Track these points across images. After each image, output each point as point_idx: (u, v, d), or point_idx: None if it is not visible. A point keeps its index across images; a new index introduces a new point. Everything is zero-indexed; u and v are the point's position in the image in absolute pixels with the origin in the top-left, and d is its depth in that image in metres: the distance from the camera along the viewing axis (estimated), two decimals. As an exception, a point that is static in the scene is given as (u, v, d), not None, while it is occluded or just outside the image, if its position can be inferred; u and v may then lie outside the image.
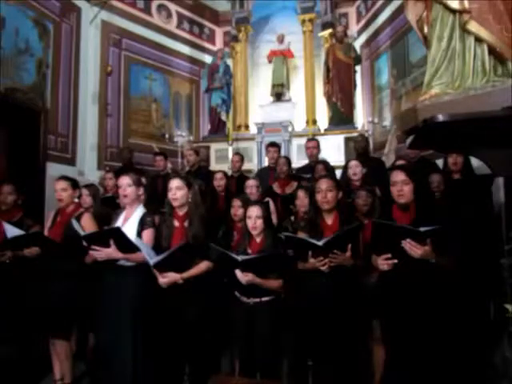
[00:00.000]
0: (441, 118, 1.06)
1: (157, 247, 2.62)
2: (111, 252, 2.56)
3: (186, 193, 2.64)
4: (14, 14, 4.46)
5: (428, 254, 2.05)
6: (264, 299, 2.49)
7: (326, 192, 2.49)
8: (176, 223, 2.63)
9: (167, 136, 7.13)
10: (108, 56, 6.23)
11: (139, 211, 2.78)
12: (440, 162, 4.20)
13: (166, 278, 2.48)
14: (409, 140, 1.35)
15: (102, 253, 2.57)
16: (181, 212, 2.64)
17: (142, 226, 2.70)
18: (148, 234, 2.69)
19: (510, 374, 2.59)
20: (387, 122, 6.35)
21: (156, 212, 2.97)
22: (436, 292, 2.14)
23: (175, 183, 2.63)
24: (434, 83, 1.31)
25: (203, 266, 2.57)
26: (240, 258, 2.39)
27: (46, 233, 3.01)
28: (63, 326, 2.88)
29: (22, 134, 4.60)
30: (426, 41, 1.67)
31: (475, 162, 3.54)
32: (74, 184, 3.10)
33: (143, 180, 3.12)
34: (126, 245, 2.55)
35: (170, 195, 2.62)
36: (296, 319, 2.56)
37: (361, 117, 7.13)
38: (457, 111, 1.12)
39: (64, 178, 3.10)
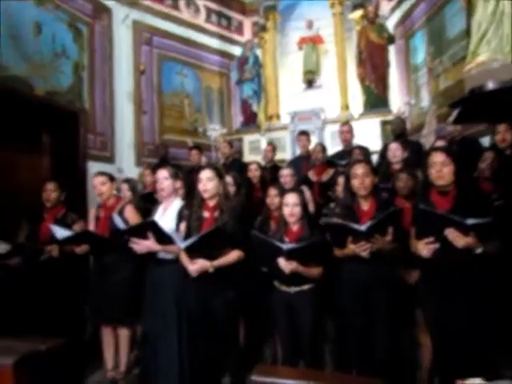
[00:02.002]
0: (490, 86, 0.96)
1: (187, 239, 2.60)
2: (150, 244, 2.61)
3: (217, 184, 2.57)
4: (49, 19, 4.62)
5: (471, 244, 1.95)
6: (304, 288, 2.46)
7: (362, 177, 2.42)
8: (206, 214, 2.58)
9: (200, 130, 7.20)
10: (140, 54, 6.33)
11: (176, 204, 2.82)
12: (484, 142, 3.99)
13: (196, 265, 2.38)
14: (454, 114, 1.26)
15: (141, 246, 2.63)
16: (211, 203, 2.59)
17: (181, 218, 2.73)
18: (185, 226, 2.72)
19: None
20: (425, 103, 6.08)
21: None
22: (482, 281, 2.04)
23: (206, 174, 2.57)
24: (481, 50, 1.20)
25: (235, 254, 2.48)
26: (285, 246, 2.33)
27: (90, 228, 3.13)
28: (129, 314, 3.00)
29: (63, 135, 4.79)
30: (470, 6, 1.54)
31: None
32: (111, 177, 3.20)
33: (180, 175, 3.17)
34: (163, 237, 2.58)
35: (201, 186, 2.57)
36: (338, 307, 2.52)
37: (396, 99, 6.86)
38: (507, 78, 1.02)
39: (100, 173, 3.21)
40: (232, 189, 3.31)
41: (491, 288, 2.06)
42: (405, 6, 6.80)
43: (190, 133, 7.15)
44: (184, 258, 2.49)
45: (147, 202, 3.79)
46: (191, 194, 3.31)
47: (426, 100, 6.13)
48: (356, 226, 2.24)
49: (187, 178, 4.52)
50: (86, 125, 5.11)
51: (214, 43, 7.86)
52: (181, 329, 2.62)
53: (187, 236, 2.56)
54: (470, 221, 1.89)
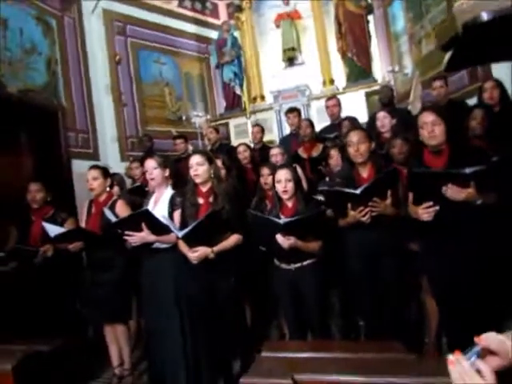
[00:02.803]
0: (485, 16, 0.89)
1: (182, 227, 2.55)
2: (144, 235, 2.55)
3: (208, 168, 2.55)
4: (15, 14, 4.42)
5: (472, 195, 1.92)
6: (306, 263, 2.43)
7: (357, 145, 2.39)
8: (200, 200, 2.55)
9: (184, 118, 7.07)
10: (114, 45, 6.15)
11: (168, 193, 2.76)
12: (471, 103, 3.95)
13: (196, 253, 2.38)
14: (446, 58, 1.19)
15: (135, 237, 2.57)
16: (204, 188, 2.57)
17: (173, 206, 2.67)
18: (178, 214, 2.66)
19: None
20: (408, 70, 6.02)
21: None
22: (484, 234, 2.02)
23: (196, 159, 2.55)
24: None
25: (233, 238, 2.49)
26: (282, 221, 2.30)
27: (81, 225, 3.05)
28: (122, 310, 2.95)
29: (44, 135, 4.64)
30: None
31: (512, 93, 3.33)
32: (106, 172, 3.10)
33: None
34: (157, 227, 2.52)
35: (192, 172, 2.54)
36: (343, 278, 2.50)
37: (379, 69, 6.80)
38: (501, 8, 0.95)
39: (95, 166, 3.11)
40: (222, 172, 3.24)
41: (490, 242, 2.05)
42: (380, -26, 6.68)
43: (173, 122, 7.02)
44: (183, 246, 2.46)
45: (137, 195, 3.71)
46: (179, 184, 3.25)
47: (409, 67, 6.07)
48: (351, 190, 2.21)
49: (173, 167, 4.46)
50: (66, 122, 4.96)
51: (190, 28, 7.67)
52: (182, 317, 2.57)
53: (183, 224, 2.53)
54: (469, 170, 1.87)
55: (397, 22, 6.45)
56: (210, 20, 8.06)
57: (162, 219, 2.52)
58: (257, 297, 3.12)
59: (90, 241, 2.89)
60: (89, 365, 3.15)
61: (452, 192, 1.93)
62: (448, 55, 1.17)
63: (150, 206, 2.74)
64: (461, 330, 2.00)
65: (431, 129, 2.07)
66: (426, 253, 2.23)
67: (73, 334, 2.95)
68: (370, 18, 6.74)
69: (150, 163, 2.74)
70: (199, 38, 7.79)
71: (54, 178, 4.23)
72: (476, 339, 0.69)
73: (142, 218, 2.55)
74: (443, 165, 2.07)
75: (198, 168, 2.52)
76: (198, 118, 6.98)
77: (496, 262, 2.03)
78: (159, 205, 2.74)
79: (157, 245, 2.64)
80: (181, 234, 2.37)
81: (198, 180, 2.54)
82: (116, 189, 3.60)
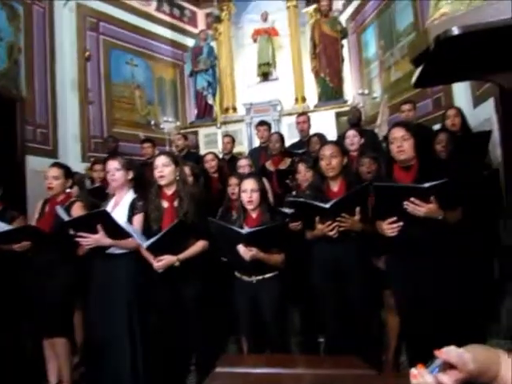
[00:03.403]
0: (456, 31, 0.89)
1: (146, 231, 2.46)
2: (99, 238, 2.41)
3: (174, 170, 2.48)
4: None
5: (433, 211, 1.94)
6: (267, 276, 2.36)
7: (330, 158, 2.38)
8: (165, 204, 2.47)
9: (153, 123, 6.91)
10: (86, 41, 5.94)
11: (129, 196, 2.63)
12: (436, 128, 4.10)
13: (161, 262, 2.32)
14: (416, 73, 1.19)
15: (89, 239, 2.42)
16: (169, 191, 2.49)
17: (133, 210, 2.55)
18: (139, 218, 2.54)
19: None
20: (377, 94, 6.22)
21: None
22: (446, 251, 2.05)
23: (161, 160, 2.48)
24: (441, 4, 1.15)
25: (199, 245, 2.43)
26: (244, 231, 2.25)
27: (33, 224, 2.84)
28: (62, 322, 2.73)
29: (-2, 126, 4.35)
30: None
31: (472, 121, 3.48)
32: (68, 172, 2.93)
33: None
34: (114, 230, 2.39)
35: (157, 173, 2.46)
36: (304, 294, 2.46)
37: (350, 91, 6.98)
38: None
39: (57, 165, 2.92)
40: (190, 179, 3.15)
41: (456, 259, 2.09)
42: (356, 2, 6.93)
43: (141, 126, 6.84)
44: (147, 255, 2.40)
45: (96, 197, 3.53)
46: (143, 188, 3.13)
47: (378, 92, 6.27)
48: (320, 204, 2.20)
49: (138, 171, 4.31)
50: (24, 114, 4.67)
51: (166, 33, 7.58)
52: (132, 326, 2.42)
53: (146, 228, 2.46)
54: (427, 184, 1.90)
55: (369, 49, 6.69)
56: (188, 28, 8.02)
57: (123, 225, 2.40)
58: (215, 309, 3.00)
59: (38, 240, 2.69)
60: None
61: (413, 207, 1.94)
62: (418, 71, 1.17)
63: (109, 209, 2.60)
64: (423, 346, 2.00)
65: (400, 143, 2.10)
66: (391, 268, 2.24)
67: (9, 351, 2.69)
68: (345, 42, 6.94)
69: (113, 164, 2.63)
70: (175, 44, 7.72)
71: (6, 172, 3.95)
72: (436, 352, 0.69)
73: (98, 219, 2.41)
74: (412, 180, 2.10)
75: (163, 169, 2.45)
76: (168, 124, 6.85)
77: (460, 278, 2.06)
78: (118, 208, 2.60)
79: (112, 250, 2.50)
80: (145, 244, 2.29)
81: (162, 182, 2.46)
82: (75, 189, 3.41)
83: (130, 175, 2.66)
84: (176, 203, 2.46)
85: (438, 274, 2.02)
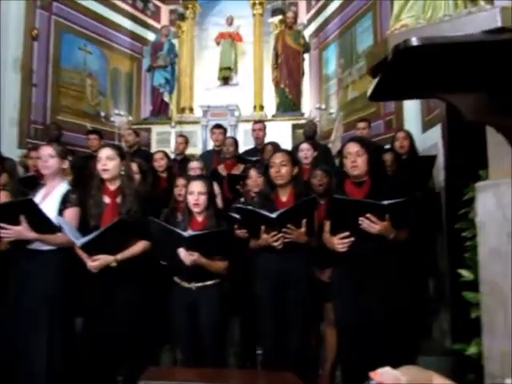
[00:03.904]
0: (415, 41, 0.87)
1: (83, 227, 2.27)
2: (21, 230, 2.17)
3: (119, 164, 2.32)
4: None
5: (387, 229, 1.97)
6: (208, 283, 2.26)
7: (279, 166, 2.34)
8: (107, 199, 2.31)
9: (103, 115, 6.58)
10: (34, 19, 5.51)
11: (62, 187, 2.41)
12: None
13: (96, 261, 2.15)
14: (372, 85, 1.16)
15: (10, 231, 2.18)
16: (112, 186, 2.33)
17: (65, 203, 2.33)
18: (71, 212, 2.33)
19: (445, 345, 2.79)
20: (333, 110, 6.36)
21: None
22: (391, 269, 2.09)
23: (106, 152, 2.32)
24: (404, 16, 1.15)
25: (140, 245, 2.28)
26: (187, 233, 2.15)
27: None
28: None
29: None
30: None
31: (420, 145, 3.61)
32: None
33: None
34: (41, 222, 2.18)
35: (100, 166, 2.30)
36: (245, 304, 2.39)
37: (308, 104, 7.09)
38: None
39: None
40: (137, 177, 2.98)
41: (397, 281, 2.12)
42: (320, 19, 7.09)
43: (90, 116, 6.49)
44: (81, 253, 2.22)
45: (29, 187, 3.22)
46: (83, 182, 2.91)
47: (334, 108, 6.42)
48: (266, 213, 2.17)
49: (79, 163, 4.03)
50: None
51: (127, 24, 7.32)
52: (53, 337, 2.18)
53: (83, 224, 2.28)
54: (387, 202, 1.93)
55: (329, 66, 6.85)
56: (150, 21, 7.79)
57: (52, 218, 2.19)
58: (151, 316, 2.83)
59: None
60: None
61: (368, 223, 1.95)
62: (374, 82, 1.14)
63: (38, 200, 2.36)
64: (358, 364, 2.02)
65: (354, 159, 2.11)
66: (336, 282, 2.24)
67: None
68: (306, 56, 7.06)
69: (46, 150, 2.42)
70: (135, 36, 7.47)
71: None
72: (371, 374, 0.69)
73: (22, 208, 2.18)
74: (363, 196, 2.12)
75: (107, 162, 2.29)
76: (119, 118, 6.56)
77: (402, 300, 2.08)
78: (48, 199, 2.37)
79: (36, 245, 2.26)
80: (80, 241, 2.11)
81: (105, 175, 2.30)
82: (4, 176, 3.09)
83: (66, 165, 2.46)
84: (119, 199, 2.31)
85: (381, 290, 2.04)
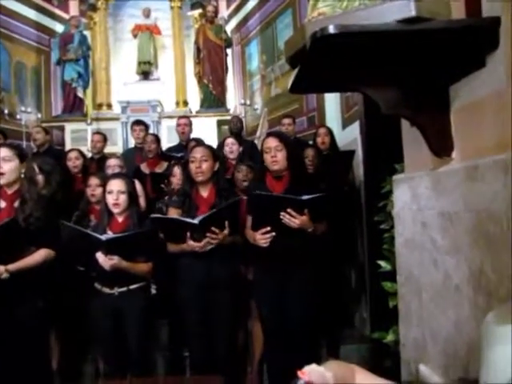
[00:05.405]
0: (332, 29, 0.85)
1: None
2: None
3: (17, 166, 2.08)
4: None
5: (306, 223, 2.03)
6: (132, 287, 2.13)
7: (200, 161, 2.25)
8: (2, 204, 2.07)
9: (7, 113, 5.94)
10: None
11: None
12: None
13: None
14: (292, 76, 1.15)
15: None
16: (10, 190, 2.08)
17: None
18: None
19: (365, 333, 2.93)
20: (258, 106, 6.40)
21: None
22: (311, 262, 2.16)
23: (1, 153, 2.05)
24: (320, 5, 1.14)
25: (40, 254, 2.04)
26: (104, 237, 2.01)
27: None
28: None
29: None
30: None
31: (340, 141, 3.76)
32: None
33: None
34: None
35: None
36: (171, 307, 2.29)
37: (233, 100, 7.07)
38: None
39: None
40: (39, 177, 2.69)
41: (318, 272, 2.19)
42: (241, 14, 7.08)
43: (-8, 115, 5.82)
44: None
45: None
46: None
47: (259, 104, 6.46)
48: (188, 220, 2.10)
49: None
50: None
51: (31, 14, 6.71)
52: None
53: None
54: (306, 196, 1.98)
55: (252, 62, 6.88)
56: (57, 12, 7.19)
57: None
58: (69, 326, 2.62)
59: None
60: None
61: (289, 218, 1.99)
62: (294, 73, 1.13)
63: None
64: (283, 357, 2.07)
65: (274, 154, 2.13)
66: (258, 278, 2.26)
67: None
68: (230, 51, 7.00)
69: None
70: (40, 28, 6.86)
71: None
72: (299, 373, 0.69)
73: None
74: (282, 190, 2.15)
75: (2, 164, 2.03)
76: (26, 115, 5.97)
77: (323, 293, 2.14)
78: None
79: None
80: None
81: (1, 180, 2.04)
82: None
83: None
84: (17, 204, 2.07)
85: (302, 283, 2.10)
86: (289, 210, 1.99)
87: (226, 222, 2.13)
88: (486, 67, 0.95)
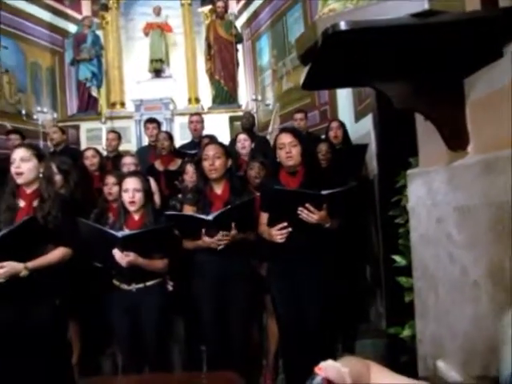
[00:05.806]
0: (343, 26, 0.86)
1: None
2: None
3: (36, 166, 2.09)
4: None
5: (324, 218, 2.01)
6: (149, 284, 2.16)
7: (213, 159, 2.26)
8: (21, 203, 2.08)
9: (24, 113, 6.05)
10: None
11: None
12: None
13: (2, 269, 1.89)
14: (304, 73, 1.14)
15: None
16: (29, 190, 2.10)
17: None
18: None
19: (381, 328, 2.87)
20: (270, 102, 6.38)
21: None
22: (327, 256, 2.15)
23: (19, 153, 2.06)
24: (330, 1, 1.14)
25: (58, 253, 2.05)
26: (120, 234, 2.04)
27: None
28: None
29: None
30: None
31: (353, 135, 3.73)
32: None
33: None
34: None
35: (13, 168, 2.05)
36: (188, 302, 2.32)
37: (244, 96, 7.06)
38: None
39: None
40: (58, 177, 2.74)
41: (333, 268, 2.20)
42: (251, 9, 7.05)
43: (10, 115, 5.95)
44: None
45: None
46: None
47: (271, 100, 6.44)
48: (202, 216, 2.12)
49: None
50: None
51: (44, 15, 6.81)
52: None
53: None
54: (325, 191, 1.96)
55: (263, 57, 6.85)
56: (70, 12, 7.27)
57: None
58: (89, 322, 2.68)
59: None
60: None
61: (307, 213, 1.97)
62: (306, 70, 1.12)
63: None
64: (298, 352, 2.08)
65: (288, 149, 2.12)
66: (273, 273, 2.25)
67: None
68: (240, 47, 6.99)
69: None
70: (54, 29, 6.94)
71: None
72: (316, 369, 0.69)
73: None
74: (298, 185, 2.13)
75: (20, 164, 2.04)
76: (43, 115, 6.07)
77: (339, 288, 2.14)
78: None
79: None
80: None
81: (20, 180, 2.05)
82: None
83: None
84: (36, 203, 2.09)
85: (317, 279, 2.10)
86: (307, 205, 1.97)
87: (233, 224, 2.14)
88: (504, 58, 0.93)
